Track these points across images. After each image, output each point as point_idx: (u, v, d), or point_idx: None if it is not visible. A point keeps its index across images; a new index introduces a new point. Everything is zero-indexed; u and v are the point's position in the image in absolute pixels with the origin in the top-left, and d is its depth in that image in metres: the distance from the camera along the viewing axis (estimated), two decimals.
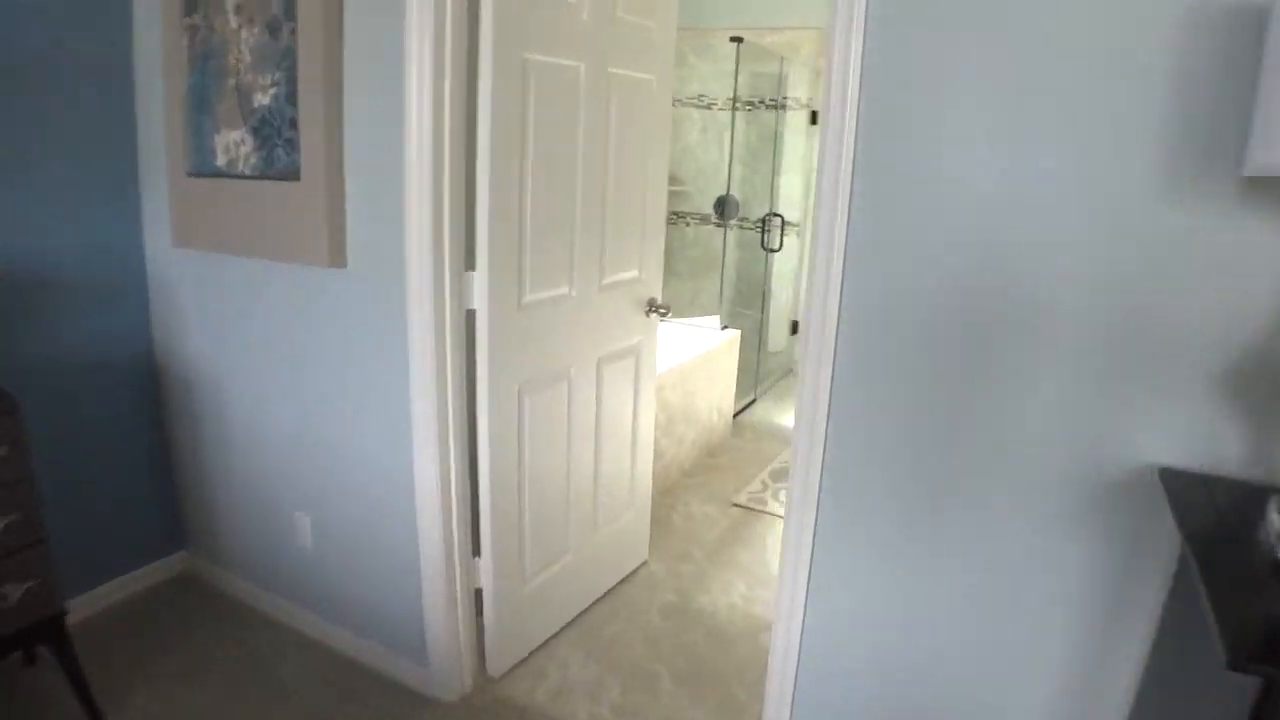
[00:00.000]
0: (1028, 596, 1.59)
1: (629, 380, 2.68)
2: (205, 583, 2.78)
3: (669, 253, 4.23)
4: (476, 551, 2.24)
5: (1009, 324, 1.50)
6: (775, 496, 3.69)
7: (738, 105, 4.69)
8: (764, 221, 4.85)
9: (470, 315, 2.02)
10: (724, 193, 4.97)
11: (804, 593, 1.83)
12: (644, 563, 3.04)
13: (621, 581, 2.91)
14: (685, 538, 3.29)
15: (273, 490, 2.48)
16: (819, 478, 1.74)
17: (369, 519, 2.28)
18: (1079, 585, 1.53)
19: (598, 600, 2.77)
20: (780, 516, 3.50)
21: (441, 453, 2.05)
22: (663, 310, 2.69)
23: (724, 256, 4.56)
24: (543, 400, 2.26)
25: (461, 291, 1.99)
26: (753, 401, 5.03)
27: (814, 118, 5.17)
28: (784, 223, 4.87)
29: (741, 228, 5.15)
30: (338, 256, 2.09)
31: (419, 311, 1.94)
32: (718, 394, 4.15)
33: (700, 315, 4.60)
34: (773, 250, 4.94)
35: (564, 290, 2.25)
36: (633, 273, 2.57)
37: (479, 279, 1.98)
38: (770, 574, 3.05)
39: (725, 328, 4.29)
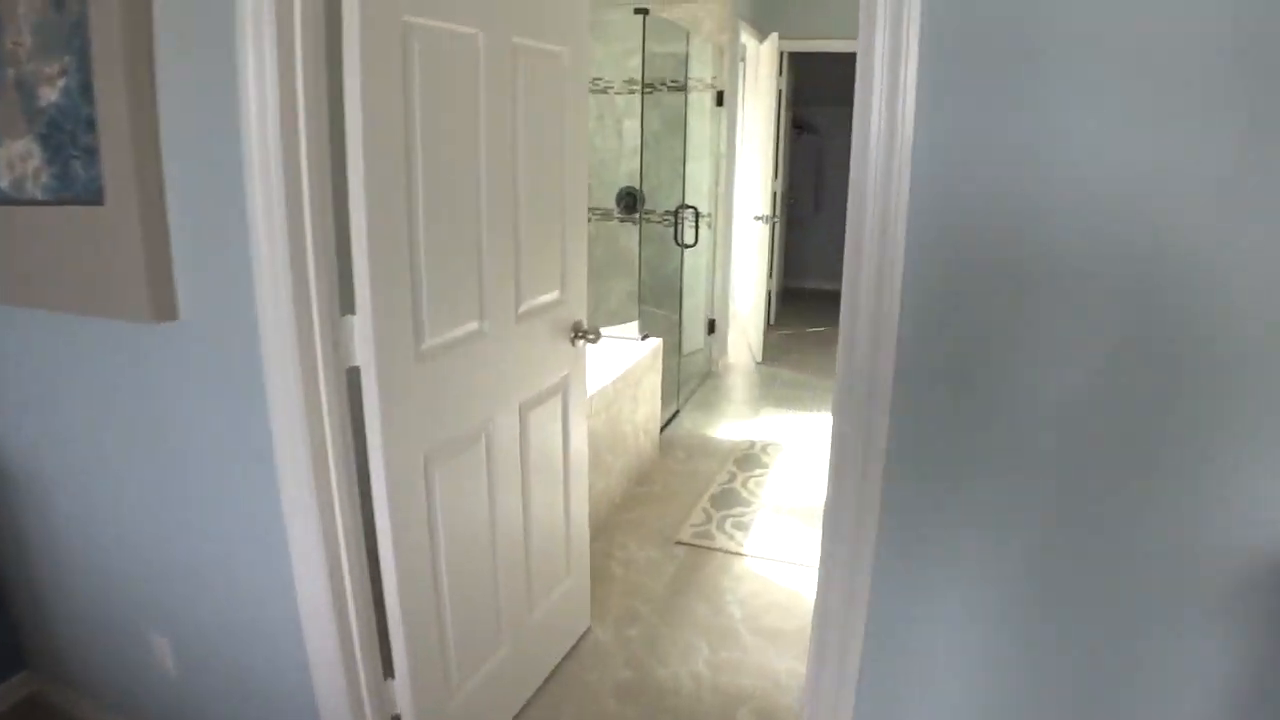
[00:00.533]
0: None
1: (557, 423, 2.20)
2: (54, 707, 2.17)
3: None
4: (389, 672, 1.72)
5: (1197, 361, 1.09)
6: (722, 528, 3.27)
7: (635, 89, 4.24)
8: (676, 214, 4.43)
9: (354, 373, 1.50)
10: (628, 185, 4.52)
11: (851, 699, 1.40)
12: (587, 630, 2.57)
13: (565, 659, 2.43)
14: (629, 591, 2.83)
15: (120, 607, 1.90)
16: (873, 530, 1.30)
17: (244, 643, 1.74)
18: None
19: (540, 689, 2.28)
20: (734, 553, 3.09)
21: (328, 556, 1.52)
22: (591, 336, 2.22)
23: (639, 255, 4.11)
24: (457, 468, 1.76)
25: (339, 343, 1.46)
26: (676, 413, 4.61)
27: (720, 99, 4.78)
28: (698, 215, 4.46)
29: (648, 222, 4.71)
30: (164, 306, 1.53)
31: (280, 375, 1.41)
32: (643, 413, 3.71)
33: (607, 320, 4.14)
34: (687, 245, 4.53)
35: (473, 326, 1.75)
36: (553, 294, 2.08)
37: (361, 325, 1.46)
38: (734, 627, 2.63)
39: (646, 336, 3.85)
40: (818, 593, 1.39)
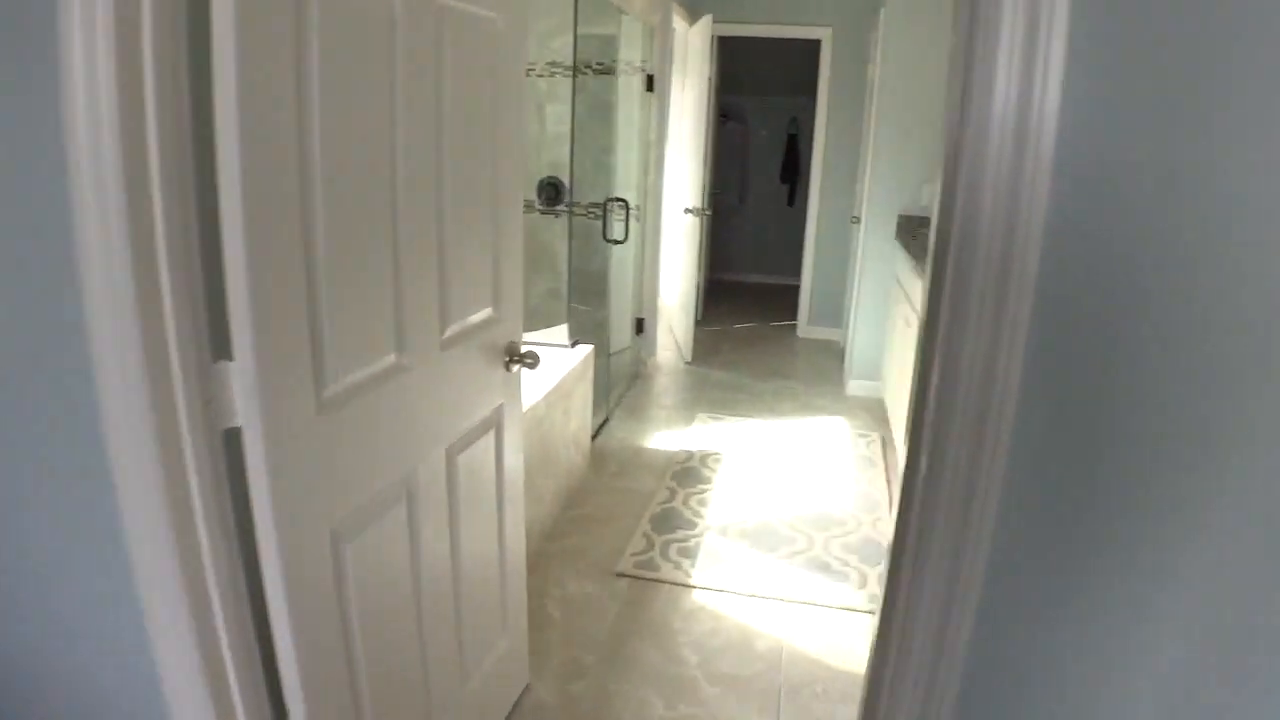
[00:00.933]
0: None
1: (490, 464, 1.87)
2: None
3: None
4: None
5: None
6: (667, 555, 2.99)
7: (559, 71, 3.88)
8: (604, 207, 4.10)
9: (235, 435, 1.14)
10: (550, 175, 4.16)
11: None
12: (526, 688, 2.25)
13: None
14: (570, 637, 2.52)
15: None
16: (977, 580, 1.02)
17: None
18: None
19: None
20: (682, 584, 2.80)
21: (208, 672, 1.16)
22: (529, 361, 1.89)
23: (569, 252, 3.77)
24: (373, 540, 1.41)
25: (211, 399, 1.09)
26: (606, 421, 4.30)
27: (650, 84, 4.47)
28: (628, 209, 4.15)
29: (572, 214, 4.37)
30: None
31: (129, 448, 1.04)
32: (575, 426, 3.39)
33: (529, 323, 3.79)
34: (616, 241, 4.21)
35: (390, 359, 1.40)
36: (485, 311, 1.75)
37: (242, 373, 1.09)
38: (690, 675, 2.35)
39: (576, 342, 3.52)
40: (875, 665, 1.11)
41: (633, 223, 4.65)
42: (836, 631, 2.63)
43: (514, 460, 1.99)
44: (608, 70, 3.95)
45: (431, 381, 1.54)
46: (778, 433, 4.32)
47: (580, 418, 3.46)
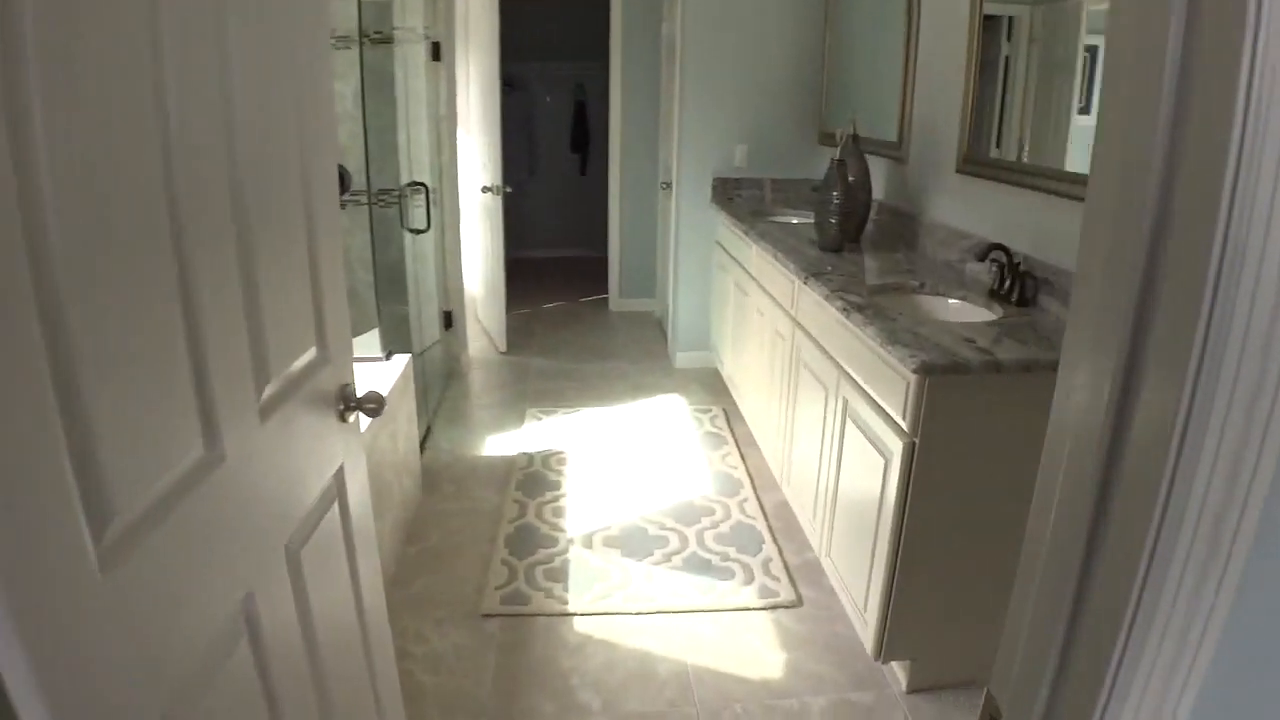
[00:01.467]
0: None
1: (338, 541, 1.44)
2: None
3: None
4: None
5: None
6: (534, 582, 2.64)
7: (334, 41, 3.31)
8: (400, 194, 3.61)
9: None
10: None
11: None
12: None
13: None
14: (448, 706, 2.13)
15: None
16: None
17: None
18: None
19: None
20: (560, 614, 2.47)
21: None
22: (370, 406, 1.47)
23: (372, 247, 3.25)
24: (213, 706, 0.97)
25: None
26: (429, 432, 3.85)
27: (436, 51, 3.97)
28: (429, 193, 3.68)
29: (360, 204, 3.83)
30: None
31: None
32: (403, 449, 2.94)
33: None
34: (418, 231, 3.73)
35: (195, 454, 0.96)
36: (309, 353, 1.31)
37: None
38: None
39: (390, 354, 3.05)
40: None
41: (432, 207, 4.17)
42: (736, 637, 2.42)
43: (364, 525, 1.57)
44: (387, 39, 3.44)
45: (254, 466, 1.10)
46: (616, 420, 4.06)
47: (408, 438, 3.01)
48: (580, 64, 7.23)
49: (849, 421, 2.30)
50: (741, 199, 4.52)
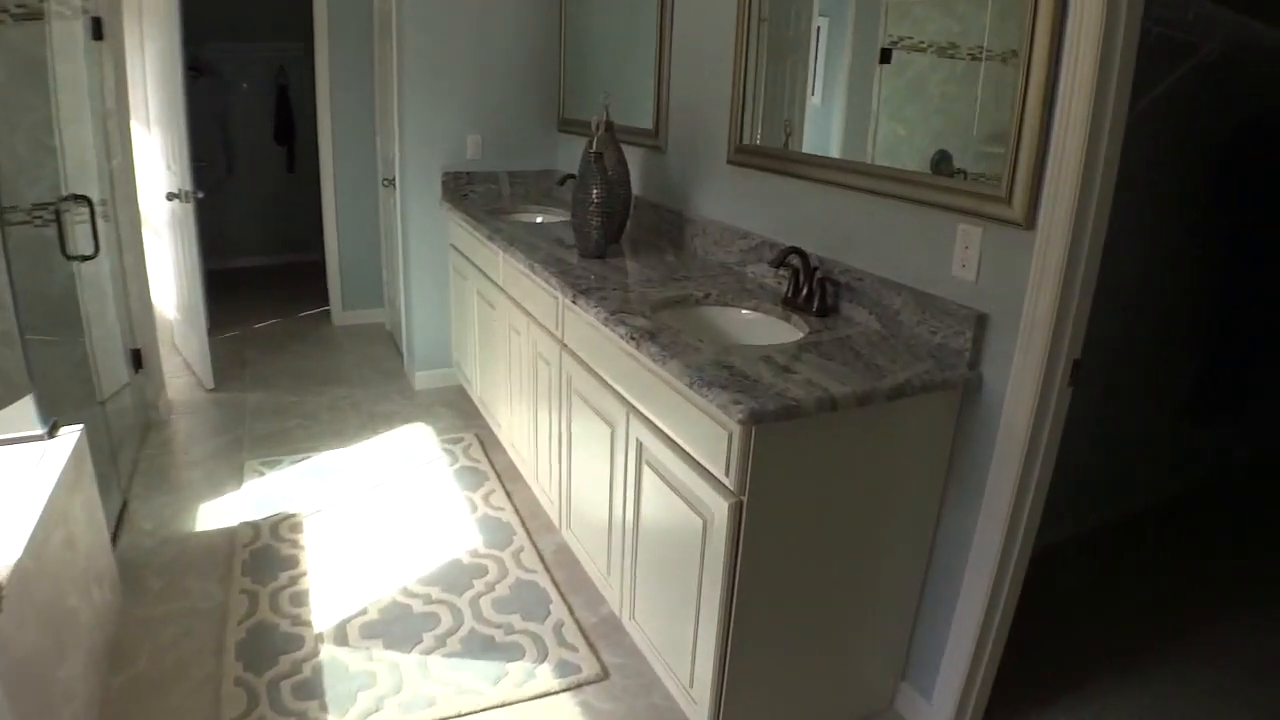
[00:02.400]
0: None
1: None
2: None
3: None
4: None
5: None
6: (282, 706, 2.14)
7: None
8: (58, 211, 2.83)
9: None
10: None
11: None
12: None
13: None
14: None
15: None
16: None
17: None
18: None
19: None
20: None
21: None
22: None
23: (10, 284, 2.48)
24: None
25: None
26: (124, 509, 3.10)
27: (98, 29, 3.17)
28: (93, 208, 2.93)
29: (5, 224, 2.97)
30: None
31: None
32: (86, 553, 2.28)
33: None
34: (84, 257, 2.97)
35: None
36: None
37: None
38: None
39: (55, 429, 2.34)
40: None
41: (101, 223, 3.37)
42: None
43: None
44: (33, 14, 2.65)
45: None
46: (354, 463, 3.54)
47: (91, 533, 2.34)
48: (281, 44, 6.39)
49: (647, 468, 2.06)
50: (476, 195, 4.13)
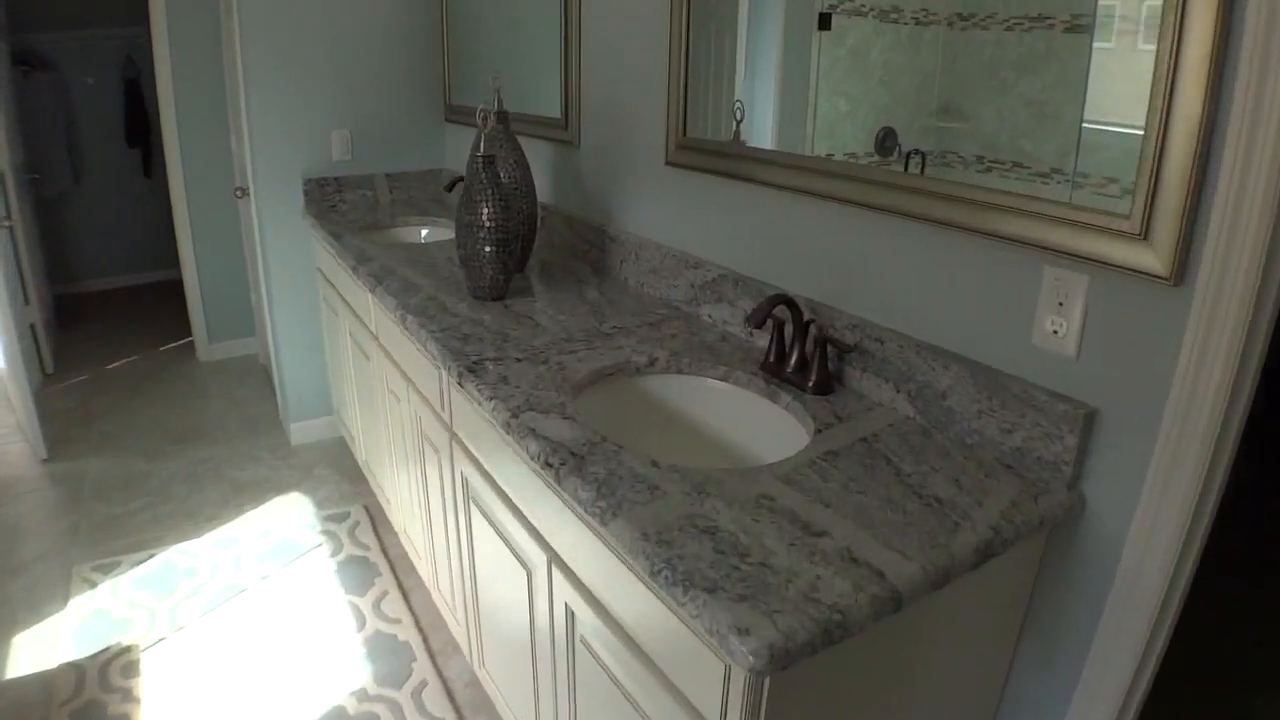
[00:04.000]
0: None
1: None
2: None
3: None
4: None
5: None
6: None
7: None
8: None
9: None
10: None
11: None
12: None
13: None
14: None
15: None
16: None
17: None
18: None
19: None
20: None
21: None
22: None
23: None
24: None
25: None
26: None
27: None
28: None
29: None
30: None
31: None
32: None
33: None
34: None
35: None
36: None
37: None
38: None
39: None
40: None
41: None
42: None
43: None
44: None
45: None
46: (210, 561, 2.76)
47: None
48: (127, 30, 5.40)
49: (584, 652, 1.37)
50: (346, 205, 3.34)
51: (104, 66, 5.54)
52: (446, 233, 3.06)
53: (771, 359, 1.62)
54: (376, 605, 2.54)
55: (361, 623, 2.46)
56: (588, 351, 1.71)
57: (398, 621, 2.47)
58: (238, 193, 3.69)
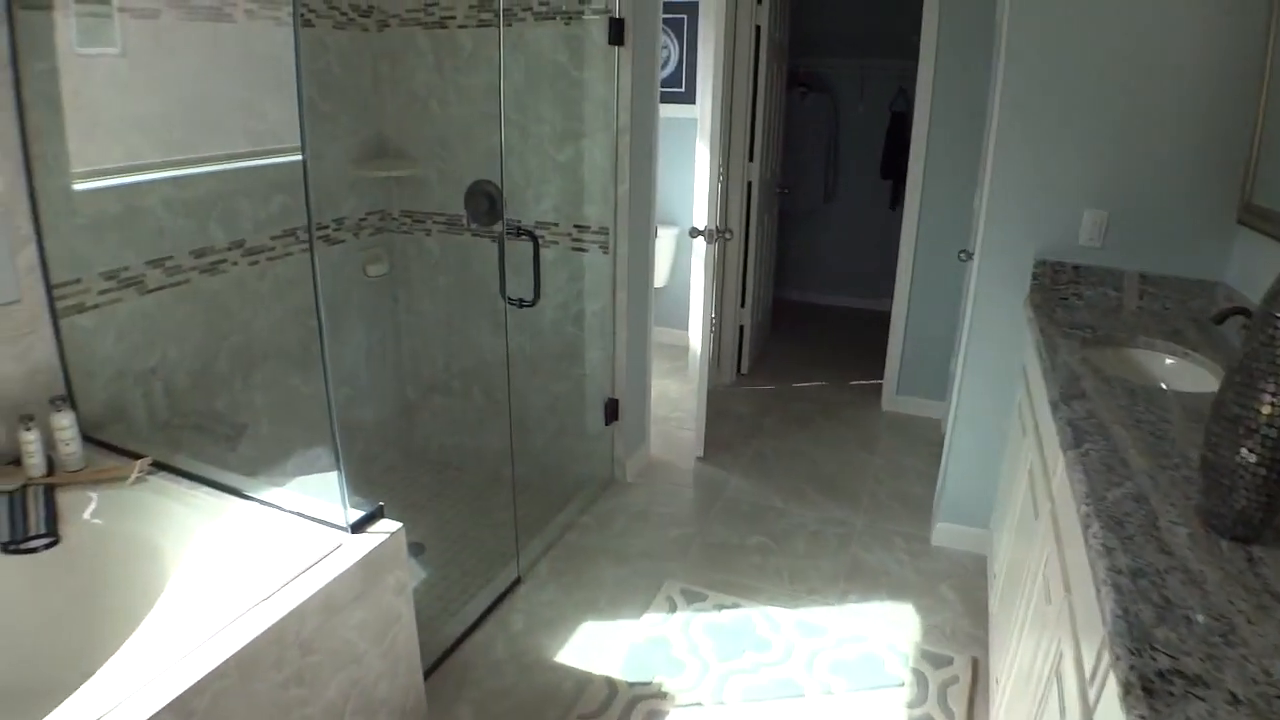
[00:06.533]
0: None
1: None
2: None
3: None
4: None
5: None
6: None
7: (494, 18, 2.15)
8: (500, 241, 2.38)
9: None
10: (483, 179, 2.48)
11: None
12: None
13: None
14: None
15: None
16: None
17: None
18: None
19: None
20: None
21: None
22: None
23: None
24: None
25: None
26: (516, 585, 2.61)
27: (618, 33, 2.66)
28: (537, 244, 2.42)
29: (483, 237, 2.67)
30: None
31: None
32: (380, 673, 1.73)
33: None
34: (522, 302, 2.49)
35: None
36: None
37: None
38: None
39: (371, 519, 1.84)
40: None
41: (597, 254, 2.91)
42: None
43: None
44: (552, 15, 2.19)
45: None
46: (784, 640, 2.52)
47: (398, 677, 1.79)
48: (904, 62, 5.50)
49: None
50: (1083, 303, 2.67)
51: (875, 95, 5.74)
52: (1199, 375, 2.22)
53: None
54: None
55: None
56: None
57: None
58: (961, 255, 3.34)
